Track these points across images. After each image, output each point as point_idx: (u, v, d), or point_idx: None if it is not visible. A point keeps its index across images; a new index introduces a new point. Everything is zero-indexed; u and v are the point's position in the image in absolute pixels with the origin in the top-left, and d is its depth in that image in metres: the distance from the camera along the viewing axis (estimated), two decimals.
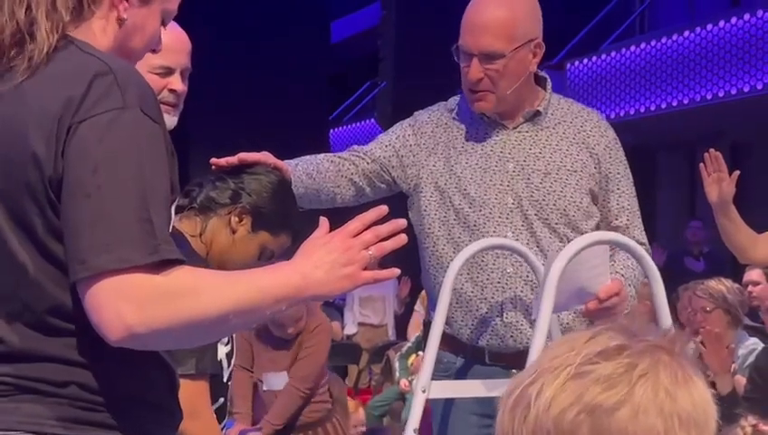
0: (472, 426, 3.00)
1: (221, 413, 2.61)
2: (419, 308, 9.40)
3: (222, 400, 2.61)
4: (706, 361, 4.30)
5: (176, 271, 1.60)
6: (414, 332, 9.16)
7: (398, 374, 7.92)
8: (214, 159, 2.65)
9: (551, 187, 2.96)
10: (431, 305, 3.05)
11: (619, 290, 2.77)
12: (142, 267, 1.56)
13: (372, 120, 15.06)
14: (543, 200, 2.95)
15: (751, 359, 4.71)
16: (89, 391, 1.66)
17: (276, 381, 5.41)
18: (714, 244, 10.91)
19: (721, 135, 11.32)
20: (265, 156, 2.69)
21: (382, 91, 12.77)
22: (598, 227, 2.98)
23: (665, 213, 13.11)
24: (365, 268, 1.70)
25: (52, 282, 1.63)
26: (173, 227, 1.75)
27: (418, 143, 3.05)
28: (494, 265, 2.96)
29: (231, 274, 1.71)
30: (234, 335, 2.65)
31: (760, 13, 10.86)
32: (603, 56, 12.48)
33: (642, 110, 11.99)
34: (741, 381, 4.51)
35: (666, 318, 2.71)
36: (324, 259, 1.67)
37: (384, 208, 1.77)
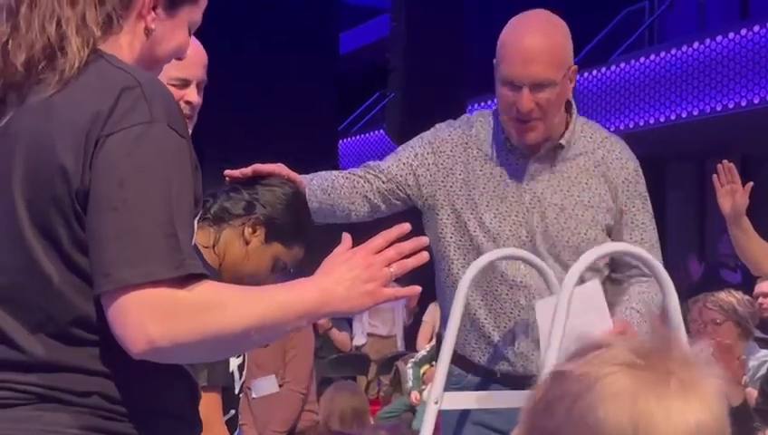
0: None
1: (232, 425, 2.62)
2: (428, 318, 9.41)
3: (233, 411, 2.62)
4: None
5: (200, 286, 1.61)
6: (424, 342, 9.16)
7: (410, 383, 7.91)
8: (228, 171, 2.65)
9: (565, 223, 2.93)
10: (444, 324, 3.04)
11: (624, 330, 2.73)
12: (167, 281, 1.58)
13: (381, 131, 15.09)
14: (557, 236, 2.93)
15: (762, 371, 4.70)
16: (111, 401, 1.67)
17: (265, 385, 5.39)
18: None
19: (731, 147, 11.30)
20: (279, 167, 2.69)
21: (391, 103, 12.80)
22: (612, 263, 2.96)
23: (674, 225, 13.08)
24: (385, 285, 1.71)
25: (76, 293, 1.65)
26: None
27: (437, 163, 3.02)
28: (507, 295, 2.96)
29: (253, 289, 1.72)
30: None
31: None
32: (613, 67, 12.49)
33: (651, 121, 11.99)
34: (752, 393, 4.50)
35: (680, 330, 2.71)
36: (346, 275, 1.68)
37: (407, 226, 1.78)
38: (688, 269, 10.56)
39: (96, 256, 1.60)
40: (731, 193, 3.64)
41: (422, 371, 7.76)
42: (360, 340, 10.34)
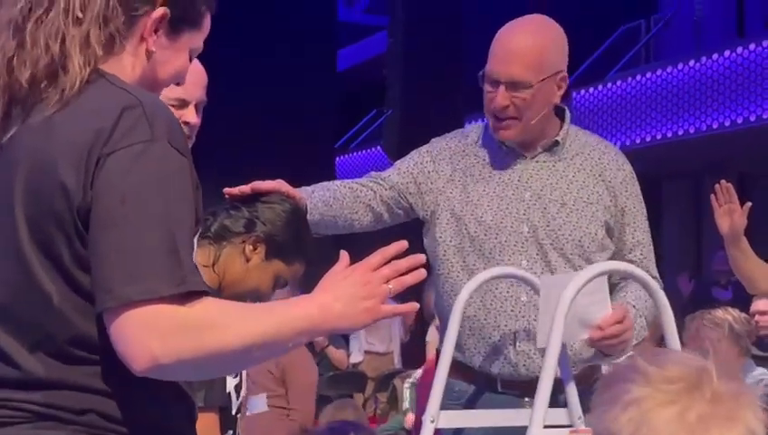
0: None
1: None
2: (430, 338, 9.36)
3: (231, 432, 2.62)
4: None
5: (201, 302, 1.61)
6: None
7: (407, 404, 7.88)
8: (227, 189, 2.66)
9: (567, 217, 2.96)
10: (443, 330, 3.05)
11: (622, 318, 2.76)
12: (168, 298, 1.58)
13: (378, 148, 15.10)
14: (559, 230, 2.95)
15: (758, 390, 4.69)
16: (108, 420, 1.67)
17: (256, 403, 5.37)
18: None
19: (727, 164, 11.34)
20: (279, 184, 2.70)
21: (389, 119, 12.80)
22: (612, 260, 2.98)
23: (671, 242, 13.11)
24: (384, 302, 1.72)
25: (75, 311, 1.65)
26: None
27: (436, 170, 3.06)
28: (507, 292, 2.96)
29: (254, 306, 1.73)
30: None
31: (765, 43, 10.91)
32: (609, 85, 12.53)
33: (648, 139, 12.02)
34: None
35: (676, 348, 2.71)
36: (344, 293, 1.69)
37: (404, 244, 1.79)
38: (678, 286, 10.59)
39: (98, 273, 1.60)
40: (729, 213, 3.65)
41: None
42: (356, 357, 10.32)
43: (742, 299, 6.90)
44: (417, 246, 2.23)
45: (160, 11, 1.76)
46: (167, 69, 1.81)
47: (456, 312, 2.87)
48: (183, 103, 2.63)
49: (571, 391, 2.83)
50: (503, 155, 3.03)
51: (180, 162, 1.66)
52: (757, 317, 5.45)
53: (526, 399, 2.89)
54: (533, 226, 2.96)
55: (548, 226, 2.95)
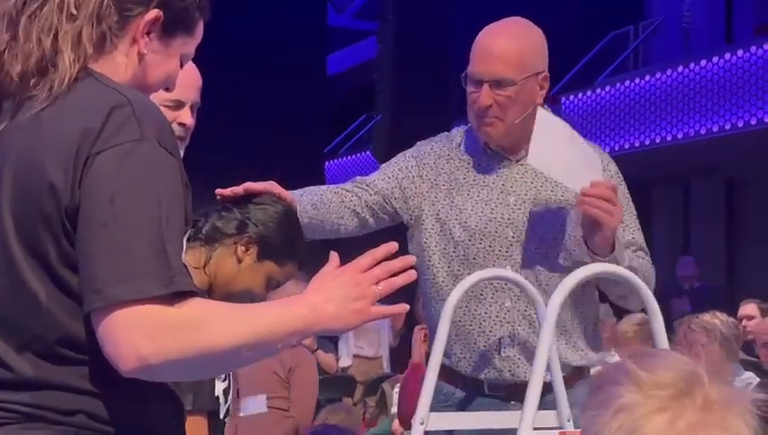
0: None
1: None
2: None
3: None
4: None
5: (189, 303, 1.61)
6: None
7: (394, 409, 7.88)
8: (219, 190, 2.66)
9: (552, 221, 2.97)
10: (431, 334, 3.06)
11: (614, 188, 2.81)
12: (157, 299, 1.58)
13: (368, 152, 15.12)
14: (544, 234, 2.96)
15: None
16: (96, 420, 1.67)
17: (255, 404, 5.36)
18: (704, 279, 10.94)
19: (715, 170, 11.38)
20: (271, 185, 2.70)
21: (378, 124, 12.82)
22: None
23: (659, 247, 13.13)
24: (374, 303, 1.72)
25: (64, 311, 1.65)
26: None
27: (421, 175, 3.06)
28: (492, 298, 2.97)
29: (243, 306, 1.73)
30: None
31: (753, 49, 10.96)
32: (598, 90, 12.57)
33: (637, 144, 12.06)
34: None
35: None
36: (335, 293, 1.69)
37: (394, 245, 1.79)
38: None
39: (86, 273, 1.60)
40: None
41: None
42: (345, 361, 10.31)
43: (700, 308, 6.89)
44: (404, 250, 2.24)
45: (153, 13, 1.76)
46: (157, 72, 1.81)
47: (446, 315, 2.87)
48: (179, 104, 2.64)
49: (560, 394, 2.85)
50: (487, 159, 3.04)
51: (169, 162, 1.65)
52: (744, 322, 5.51)
53: (512, 402, 2.90)
54: (518, 230, 2.96)
55: (533, 230, 2.96)
